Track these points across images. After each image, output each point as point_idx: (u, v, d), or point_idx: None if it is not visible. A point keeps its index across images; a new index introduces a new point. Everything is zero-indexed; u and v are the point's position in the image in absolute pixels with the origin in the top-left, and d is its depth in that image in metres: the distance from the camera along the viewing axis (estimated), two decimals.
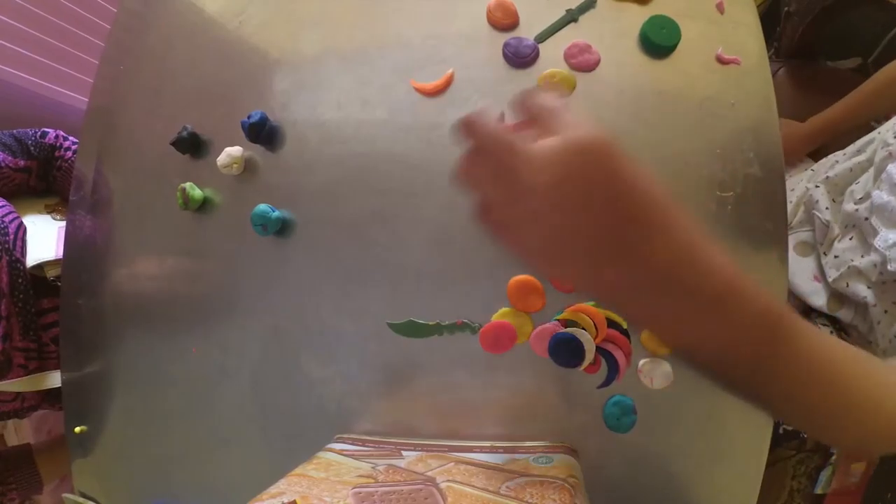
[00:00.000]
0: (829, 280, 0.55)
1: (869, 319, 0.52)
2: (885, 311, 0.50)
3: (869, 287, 0.51)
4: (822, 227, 0.57)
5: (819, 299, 0.57)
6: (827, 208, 0.57)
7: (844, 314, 0.55)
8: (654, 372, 0.37)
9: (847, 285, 0.53)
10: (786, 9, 0.83)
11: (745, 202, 0.38)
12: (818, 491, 0.78)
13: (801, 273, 0.59)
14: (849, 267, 0.52)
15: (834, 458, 0.70)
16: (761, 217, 0.38)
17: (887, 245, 0.46)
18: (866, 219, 0.50)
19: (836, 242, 0.56)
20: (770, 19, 0.89)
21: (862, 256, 0.52)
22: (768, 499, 0.72)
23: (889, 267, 0.46)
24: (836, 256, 0.55)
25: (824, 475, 0.74)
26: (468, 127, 0.28)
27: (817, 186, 0.59)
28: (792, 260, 0.60)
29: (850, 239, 0.54)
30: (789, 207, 0.64)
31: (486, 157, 0.28)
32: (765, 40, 0.41)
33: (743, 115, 0.39)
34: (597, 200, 0.26)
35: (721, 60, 0.40)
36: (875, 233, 0.48)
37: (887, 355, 0.51)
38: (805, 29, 0.81)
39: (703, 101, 0.39)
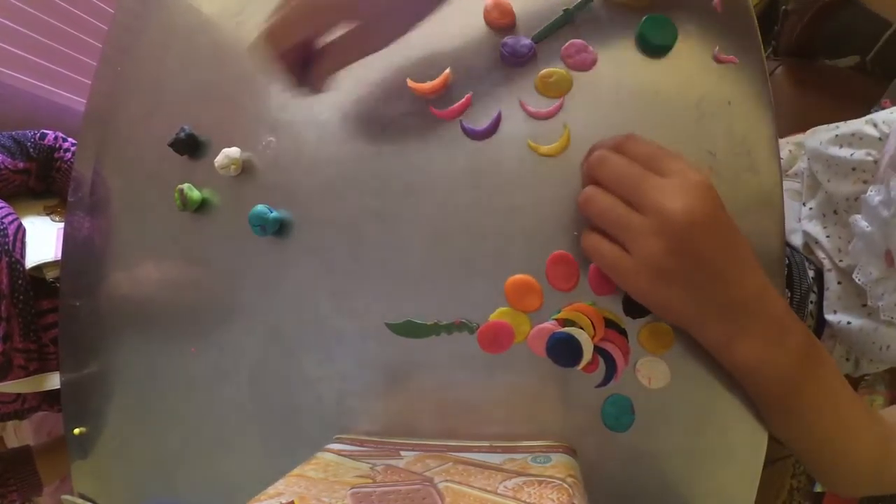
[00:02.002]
0: (801, 224, 0.58)
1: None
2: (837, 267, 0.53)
3: (828, 236, 0.55)
4: (805, 179, 0.60)
5: (797, 239, 0.60)
6: (809, 168, 0.60)
7: (816, 259, 0.57)
8: (652, 371, 0.37)
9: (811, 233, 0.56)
10: (784, 7, 0.83)
11: (742, 202, 0.38)
12: (818, 489, 0.78)
13: (788, 213, 0.61)
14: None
15: None
16: (758, 217, 0.38)
17: (868, 280, 0.47)
18: (846, 210, 0.52)
19: (812, 199, 0.59)
20: (768, 18, 0.89)
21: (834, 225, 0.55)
22: (768, 497, 0.72)
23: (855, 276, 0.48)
24: (811, 208, 0.58)
25: None
26: (597, 163, 0.34)
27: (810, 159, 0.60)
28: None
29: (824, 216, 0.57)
30: (785, 156, 0.65)
31: (612, 183, 0.33)
32: (763, 39, 0.41)
33: (739, 113, 0.39)
34: (714, 230, 0.31)
35: (718, 59, 0.40)
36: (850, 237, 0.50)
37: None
38: (803, 27, 0.81)
39: (700, 100, 0.39)
